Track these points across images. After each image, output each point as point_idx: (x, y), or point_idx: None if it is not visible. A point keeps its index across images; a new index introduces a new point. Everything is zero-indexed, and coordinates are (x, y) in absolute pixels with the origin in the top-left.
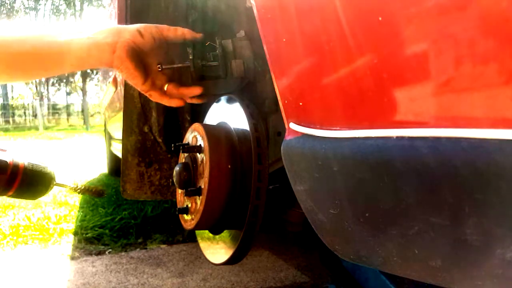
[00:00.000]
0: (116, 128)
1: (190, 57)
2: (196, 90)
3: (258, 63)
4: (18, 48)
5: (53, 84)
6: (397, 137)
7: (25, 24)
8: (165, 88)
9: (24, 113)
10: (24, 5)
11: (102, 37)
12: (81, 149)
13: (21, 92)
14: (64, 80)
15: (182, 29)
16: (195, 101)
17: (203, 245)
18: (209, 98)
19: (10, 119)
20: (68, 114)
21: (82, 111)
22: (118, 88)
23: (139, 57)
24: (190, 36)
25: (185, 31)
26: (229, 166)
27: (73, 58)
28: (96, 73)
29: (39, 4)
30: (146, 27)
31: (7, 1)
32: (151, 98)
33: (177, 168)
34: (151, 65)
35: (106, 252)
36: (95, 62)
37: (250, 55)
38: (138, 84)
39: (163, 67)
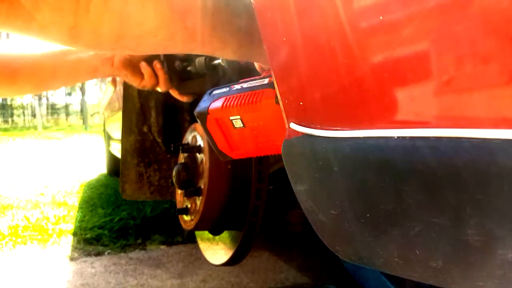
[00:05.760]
0: (115, 128)
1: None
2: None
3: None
4: (47, 67)
5: None
6: (398, 137)
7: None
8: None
9: (23, 113)
10: None
11: (103, 53)
12: (80, 149)
13: None
14: None
15: None
16: (185, 99)
17: (203, 246)
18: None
19: (9, 119)
20: (67, 114)
21: (81, 111)
22: (117, 87)
23: (134, 64)
24: None
25: None
26: (229, 167)
27: (84, 74)
28: None
29: None
30: None
31: None
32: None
33: (176, 168)
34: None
35: (105, 253)
36: (100, 75)
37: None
38: (136, 85)
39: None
